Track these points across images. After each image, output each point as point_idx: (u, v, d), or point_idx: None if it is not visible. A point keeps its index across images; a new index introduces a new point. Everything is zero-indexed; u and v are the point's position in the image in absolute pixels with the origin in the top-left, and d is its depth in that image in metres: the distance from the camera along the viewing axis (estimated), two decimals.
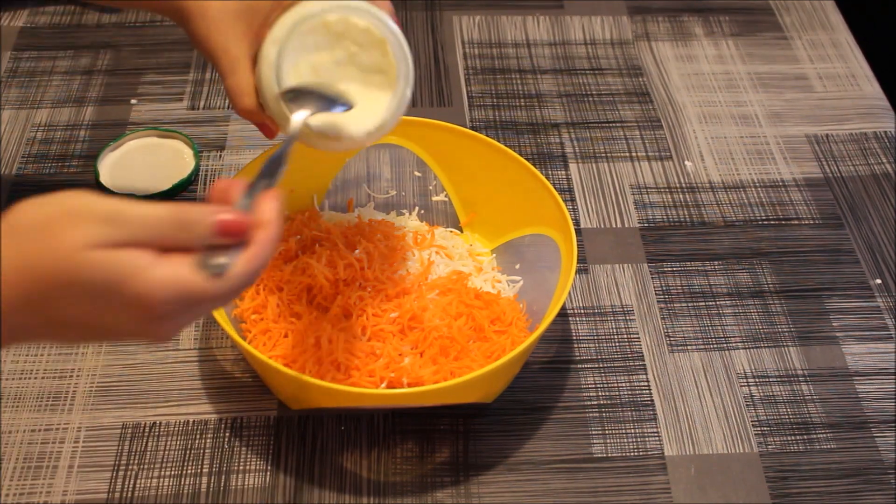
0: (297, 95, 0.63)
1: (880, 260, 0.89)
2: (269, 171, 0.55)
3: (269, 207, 0.50)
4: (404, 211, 0.86)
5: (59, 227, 0.45)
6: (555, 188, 0.78)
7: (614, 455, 0.74)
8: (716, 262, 0.88)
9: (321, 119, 0.64)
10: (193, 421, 0.74)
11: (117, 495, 0.70)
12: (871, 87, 1.06)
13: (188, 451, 0.72)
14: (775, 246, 0.89)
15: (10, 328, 0.46)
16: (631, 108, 1.02)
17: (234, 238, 0.48)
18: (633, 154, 0.97)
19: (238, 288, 0.48)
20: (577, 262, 0.73)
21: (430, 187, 0.86)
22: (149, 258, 0.45)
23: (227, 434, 0.73)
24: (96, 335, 0.49)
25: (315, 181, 0.85)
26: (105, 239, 0.45)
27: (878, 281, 0.87)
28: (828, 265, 0.88)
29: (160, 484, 0.70)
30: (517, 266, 0.81)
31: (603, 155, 0.97)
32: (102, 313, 0.46)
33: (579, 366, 0.79)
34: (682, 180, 0.95)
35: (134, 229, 0.46)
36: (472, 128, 0.98)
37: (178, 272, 0.46)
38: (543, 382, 0.78)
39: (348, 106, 0.63)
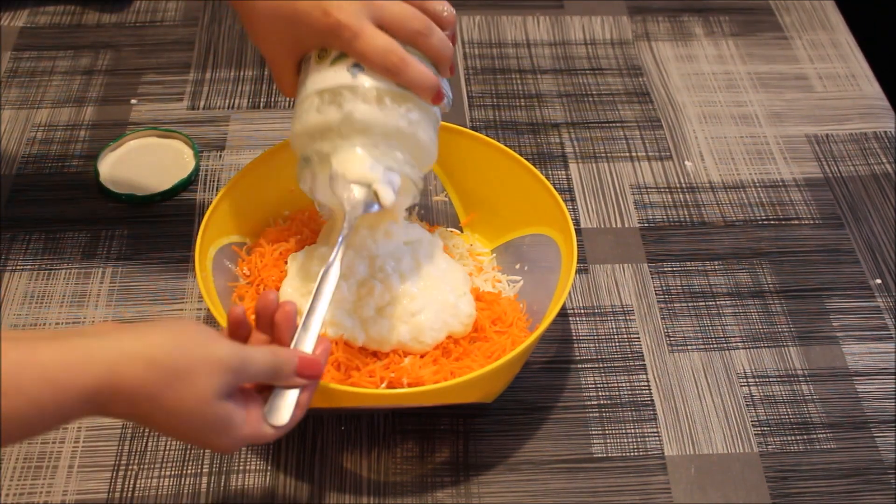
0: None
1: (880, 260, 0.89)
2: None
3: (321, 356, 0.61)
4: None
5: (196, 375, 0.53)
6: (555, 188, 0.78)
7: (614, 455, 0.74)
8: (716, 262, 0.88)
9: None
10: None
11: (117, 495, 0.70)
12: (871, 87, 1.06)
13: (188, 451, 0.72)
14: (775, 246, 0.89)
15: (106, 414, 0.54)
16: (631, 108, 1.02)
17: (308, 376, 0.59)
18: (633, 154, 0.97)
19: (289, 429, 0.59)
20: (577, 262, 0.73)
21: (430, 187, 0.86)
22: (242, 414, 0.56)
23: None
24: (179, 437, 0.58)
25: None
26: (225, 387, 0.55)
27: (878, 281, 0.87)
28: (828, 265, 0.88)
29: (160, 484, 0.70)
30: (517, 266, 0.81)
31: (603, 155, 0.97)
32: (202, 438, 0.56)
33: (579, 366, 0.79)
34: (682, 180, 0.95)
35: (246, 376, 0.56)
36: (473, 128, 0.98)
37: (256, 431, 0.57)
38: (543, 382, 0.78)
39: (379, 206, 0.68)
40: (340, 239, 0.65)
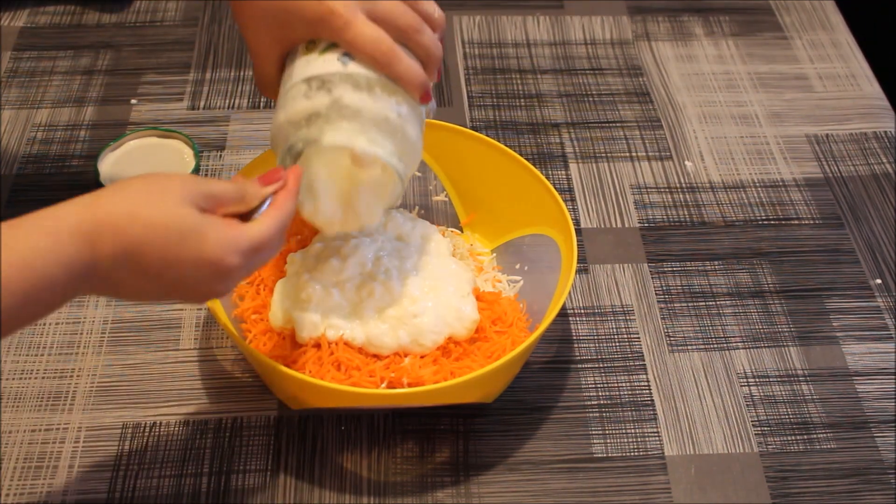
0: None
1: (880, 260, 0.89)
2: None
3: (290, 173, 0.62)
4: (405, 211, 0.86)
5: (169, 189, 0.56)
6: (555, 188, 0.78)
7: (614, 455, 0.74)
8: (716, 262, 0.88)
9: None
10: (193, 421, 0.74)
11: (117, 495, 0.70)
12: (871, 87, 1.06)
13: (188, 451, 0.72)
14: (775, 246, 0.89)
15: (106, 278, 0.55)
16: (631, 108, 1.02)
17: (272, 181, 0.61)
18: (633, 154, 0.97)
19: (274, 233, 0.59)
20: (577, 262, 0.73)
21: (430, 187, 0.86)
22: (218, 220, 0.57)
23: (227, 434, 0.73)
24: (170, 288, 0.58)
25: None
26: (191, 201, 0.56)
27: (878, 281, 0.87)
28: (828, 265, 0.88)
29: (160, 484, 0.70)
30: (517, 266, 0.81)
31: (603, 155, 0.97)
32: (182, 262, 0.56)
33: (579, 366, 0.79)
34: (682, 180, 0.95)
35: (216, 200, 0.57)
36: (473, 128, 0.98)
37: (235, 230, 0.58)
38: (543, 382, 0.78)
39: None
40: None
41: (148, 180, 0.57)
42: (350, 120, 0.64)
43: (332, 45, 0.65)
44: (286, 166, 0.65)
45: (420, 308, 0.72)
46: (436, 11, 0.68)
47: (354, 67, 0.64)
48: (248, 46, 0.70)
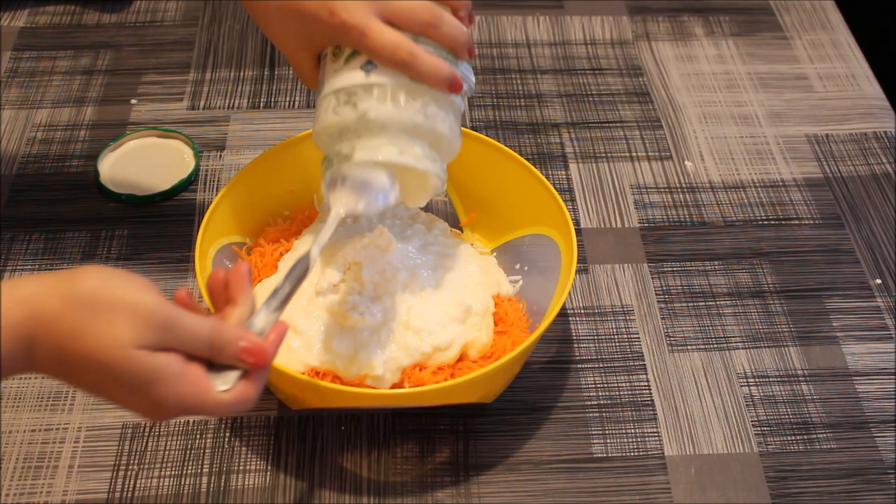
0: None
1: (880, 260, 0.89)
2: (294, 277, 0.60)
3: (272, 344, 0.56)
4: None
5: (115, 316, 0.50)
6: (555, 188, 0.78)
7: (614, 455, 0.74)
8: (716, 262, 0.88)
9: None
10: (193, 421, 0.74)
11: (117, 495, 0.70)
12: (871, 87, 1.06)
13: (188, 451, 0.72)
14: (775, 246, 0.89)
15: (48, 373, 0.52)
16: (631, 108, 1.02)
17: (252, 365, 0.54)
18: (633, 154, 0.97)
19: (242, 405, 0.54)
20: (577, 262, 0.73)
21: None
22: (178, 366, 0.52)
23: (227, 434, 0.73)
24: (106, 399, 0.54)
25: (315, 181, 0.84)
26: (152, 343, 0.51)
27: (878, 281, 0.87)
28: (828, 265, 0.88)
29: (160, 484, 0.70)
30: (517, 266, 0.81)
31: (603, 155, 0.97)
32: (123, 396, 0.52)
33: (579, 366, 0.79)
34: (682, 180, 0.95)
35: (178, 342, 0.52)
36: (472, 128, 0.98)
37: (196, 390, 0.52)
38: (543, 382, 0.78)
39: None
40: (327, 231, 0.65)
41: (103, 294, 0.50)
42: (378, 134, 0.65)
43: (355, 53, 0.65)
44: (325, 175, 0.66)
45: (435, 342, 0.72)
46: None
47: (377, 77, 0.64)
48: (279, 48, 0.70)
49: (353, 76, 0.65)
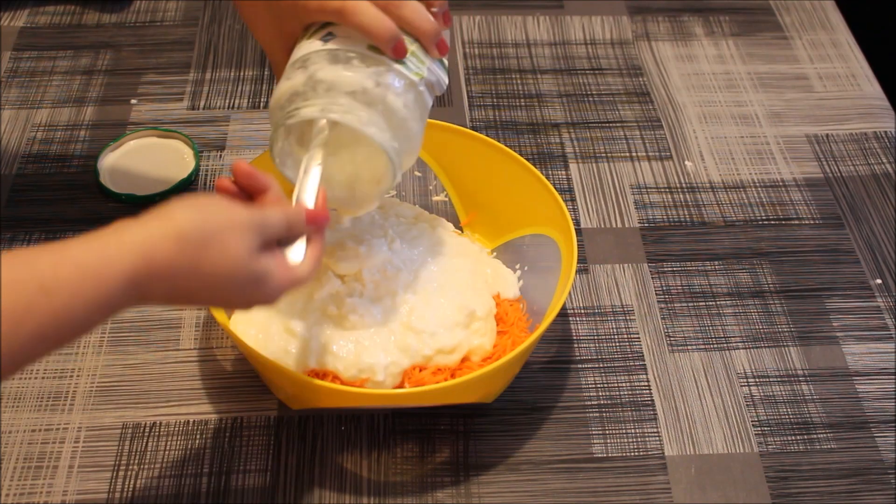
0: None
1: (880, 260, 0.89)
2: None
3: (322, 206, 0.63)
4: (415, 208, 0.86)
5: (225, 238, 0.54)
6: (555, 188, 0.78)
7: (614, 455, 0.74)
8: (716, 262, 0.88)
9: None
10: (193, 421, 0.74)
11: (117, 495, 0.70)
12: (871, 87, 1.06)
13: (188, 451, 0.72)
14: (775, 246, 0.89)
15: (145, 301, 0.54)
16: (631, 108, 1.02)
17: (316, 227, 0.61)
18: (633, 154, 0.97)
19: (314, 272, 0.61)
20: (577, 262, 0.73)
21: (430, 187, 0.86)
22: (276, 261, 0.58)
23: (227, 434, 0.73)
24: (206, 303, 0.65)
25: None
26: (256, 246, 0.56)
27: (878, 281, 0.87)
28: (828, 265, 0.88)
29: (160, 484, 0.70)
30: (517, 266, 0.81)
31: (603, 155, 0.97)
32: (236, 301, 0.59)
33: (579, 366, 0.79)
34: (682, 180, 0.95)
35: (268, 236, 0.57)
36: (473, 128, 0.98)
37: (290, 275, 0.59)
38: (543, 382, 0.78)
39: None
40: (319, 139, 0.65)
41: (209, 225, 0.54)
42: (324, 94, 0.62)
43: (318, 29, 0.65)
44: (270, 150, 0.66)
45: (438, 345, 0.72)
46: None
47: (333, 44, 0.63)
48: (258, 41, 0.71)
49: (311, 45, 0.64)
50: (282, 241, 0.60)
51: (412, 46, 0.65)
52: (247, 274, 0.55)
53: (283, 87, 0.64)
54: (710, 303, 0.84)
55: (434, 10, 0.66)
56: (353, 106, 0.62)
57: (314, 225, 0.61)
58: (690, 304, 0.84)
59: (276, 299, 0.59)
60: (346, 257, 0.74)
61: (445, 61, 0.69)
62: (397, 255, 0.75)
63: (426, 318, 0.72)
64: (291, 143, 0.67)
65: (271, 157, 0.66)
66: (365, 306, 0.72)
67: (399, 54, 0.64)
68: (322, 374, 0.70)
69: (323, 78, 0.62)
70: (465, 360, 0.73)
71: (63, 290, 0.49)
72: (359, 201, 0.70)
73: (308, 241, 0.61)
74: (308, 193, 0.63)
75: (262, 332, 0.72)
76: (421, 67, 0.65)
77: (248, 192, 0.60)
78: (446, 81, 0.68)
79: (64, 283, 0.49)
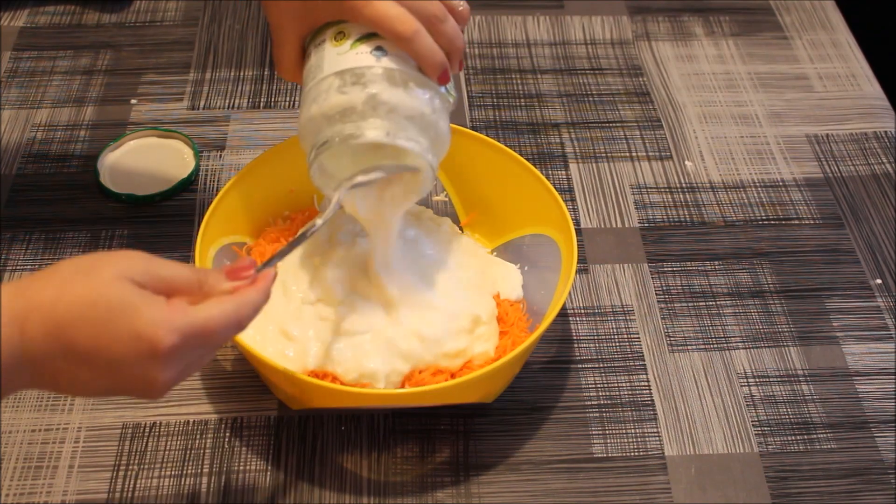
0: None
1: (880, 260, 0.89)
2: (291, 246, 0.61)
3: (268, 276, 0.57)
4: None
5: (100, 265, 0.51)
6: (555, 188, 0.78)
7: (614, 455, 0.74)
8: (716, 262, 0.88)
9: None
10: (193, 421, 0.74)
11: (117, 495, 0.70)
12: (871, 87, 1.06)
13: (188, 451, 0.72)
14: (775, 246, 0.89)
15: (41, 368, 0.51)
16: (631, 108, 1.02)
17: (238, 277, 0.55)
18: (633, 154, 0.97)
19: (224, 322, 0.53)
20: (577, 262, 0.73)
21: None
22: (157, 301, 0.51)
23: (227, 434, 0.73)
24: (106, 376, 0.52)
25: None
26: (128, 274, 0.51)
27: (878, 281, 0.87)
28: (828, 265, 0.88)
29: (160, 484, 0.70)
30: (517, 266, 0.81)
31: (603, 155, 0.97)
32: (113, 341, 0.50)
33: (579, 366, 0.79)
34: (682, 180, 0.95)
35: (162, 281, 0.52)
36: (472, 128, 0.98)
37: (185, 309, 0.52)
38: (543, 382, 0.78)
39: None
40: (335, 202, 0.65)
41: (80, 259, 0.52)
42: (385, 116, 0.63)
43: (362, 38, 0.65)
44: (311, 161, 0.65)
45: (442, 350, 0.72)
46: (460, 4, 0.67)
47: (388, 62, 0.64)
48: (270, 26, 0.69)
49: (361, 59, 0.64)
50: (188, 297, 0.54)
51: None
52: (110, 294, 0.50)
53: (336, 99, 0.63)
54: (710, 303, 0.84)
55: (460, 24, 0.67)
56: (415, 133, 0.64)
57: (235, 277, 0.55)
58: (690, 304, 0.84)
59: (170, 340, 0.50)
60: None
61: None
62: (396, 255, 0.74)
63: (430, 323, 0.72)
64: (333, 151, 0.66)
65: (308, 166, 0.66)
66: (362, 307, 0.72)
67: (444, 82, 0.66)
68: (322, 375, 0.70)
69: (386, 101, 0.63)
70: (466, 362, 0.73)
71: None
72: (386, 211, 0.71)
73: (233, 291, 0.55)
74: (273, 259, 0.59)
75: (259, 333, 0.72)
76: (452, 88, 0.68)
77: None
78: (457, 98, 0.70)
79: None
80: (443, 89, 0.66)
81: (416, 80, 0.64)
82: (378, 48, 0.64)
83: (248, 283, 0.56)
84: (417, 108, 0.64)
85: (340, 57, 0.64)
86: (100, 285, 0.50)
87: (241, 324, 0.54)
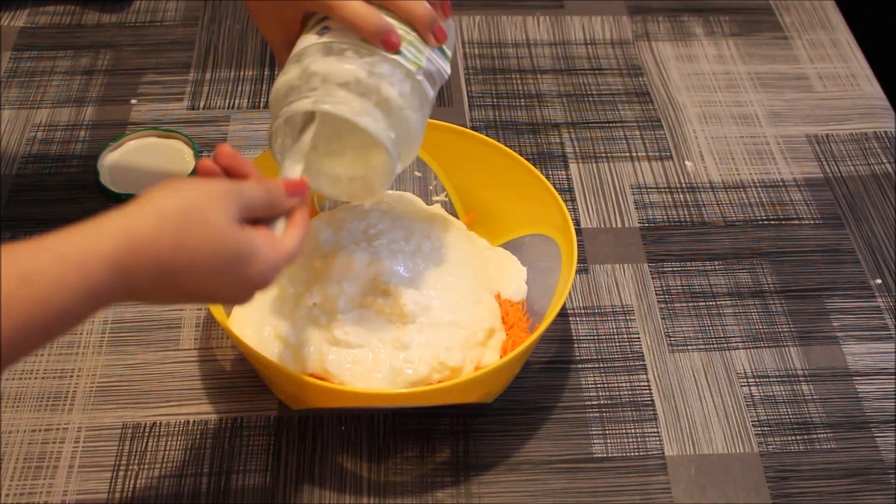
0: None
1: (880, 260, 0.89)
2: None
3: (303, 181, 0.63)
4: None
5: (205, 209, 0.53)
6: (555, 188, 0.78)
7: (614, 455, 0.74)
8: (716, 262, 0.88)
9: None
10: (193, 421, 0.74)
11: (117, 495, 0.70)
12: (871, 87, 1.06)
13: (188, 451, 0.72)
14: (775, 246, 0.89)
15: (133, 294, 0.53)
16: (631, 108, 1.02)
17: (297, 195, 0.60)
18: (633, 154, 0.97)
19: (301, 247, 0.59)
20: (577, 262, 0.73)
21: (430, 187, 0.86)
22: (263, 236, 0.56)
23: (227, 434, 0.73)
24: (199, 298, 0.60)
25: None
26: (239, 216, 0.55)
27: (878, 281, 0.87)
28: (828, 265, 0.88)
29: (160, 484, 0.70)
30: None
31: (603, 155, 0.97)
32: (226, 284, 0.55)
33: (579, 366, 0.79)
34: (682, 180, 0.95)
35: (251, 209, 0.56)
36: (473, 128, 0.98)
37: (279, 250, 0.57)
38: (543, 382, 0.78)
39: None
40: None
41: (188, 201, 0.53)
42: (319, 86, 0.62)
43: (316, 23, 0.65)
44: (273, 145, 0.66)
45: (451, 365, 0.71)
46: None
47: (328, 37, 0.64)
48: (262, 33, 0.71)
49: (307, 39, 0.65)
50: (264, 219, 0.58)
51: (409, 36, 0.65)
52: (232, 245, 0.54)
53: (280, 81, 0.64)
54: (710, 303, 0.84)
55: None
56: (346, 97, 0.62)
57: (294, 195, 0.60)
58: (690, 304, 0.84)
59: (271, 278, 0.56)
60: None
61: (448, 52, 0.68)
62: (397, 260, 0.74)
63: (449, 348, 0.71)
64: (293, 138, 0.66)
65: (271, 152, 0.66)
66: (373, 322, 0.71)
67: (390, 47, 0.63)
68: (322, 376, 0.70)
69: (316, 70, 0.62)
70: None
71: (45, 279, 0.48)
72: (361, 193, 0.71)
73: (291, 215, 0.60)
74: (289, 171, 0.63)
75: (257, 333, 0.72)
76: (419, 57, 0.65)
77: (229, 175, 0.59)
78: (448, 71, 0.68)
79: (46, 272, 0.48)
80: (397, 56, 0.63)
81: (354, 48, 0.63)
82: (324, 28, 0.64)
83: (301, 200, 0.61)
84: (350, 73, 0.62)
85: (297, 45, 0.66)
86: (217, 238, 0.53)
87: (303, 245, 0.60)
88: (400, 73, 0.64)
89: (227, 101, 1.01)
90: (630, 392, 0.78)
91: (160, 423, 0.74)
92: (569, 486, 0.72)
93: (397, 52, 0.63)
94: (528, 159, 0.80)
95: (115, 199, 0.89)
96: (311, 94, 0.62)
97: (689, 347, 0.81)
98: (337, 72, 0.62)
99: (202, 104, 1.00)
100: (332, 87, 0.62)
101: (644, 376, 0.79)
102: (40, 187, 0.91)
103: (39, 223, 0.87)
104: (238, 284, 0.55)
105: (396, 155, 0.64)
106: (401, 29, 0.64)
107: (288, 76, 0.63)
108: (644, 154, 0.97)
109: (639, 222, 0.91)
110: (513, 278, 0.79)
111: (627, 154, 0.97)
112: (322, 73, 0.62)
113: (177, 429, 0.74)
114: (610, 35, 1.11)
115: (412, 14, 0.65)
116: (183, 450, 0.72)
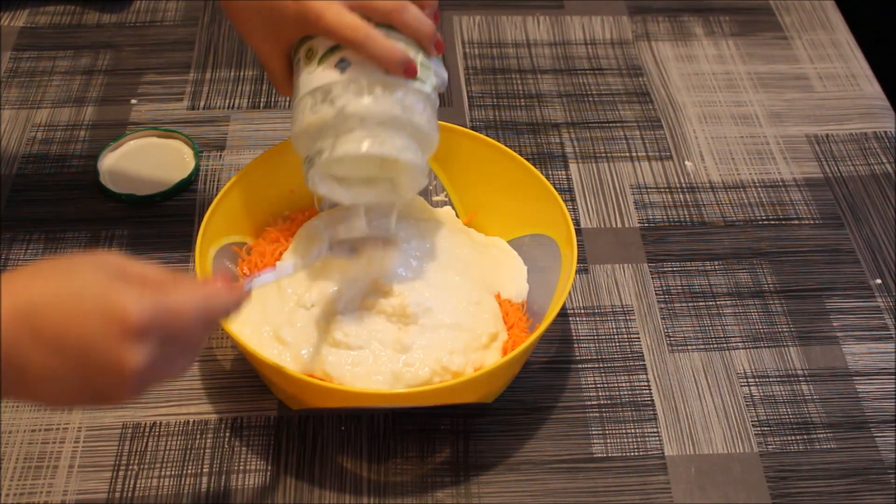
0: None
1: (880, 260, 0.89)
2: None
3: (243, 286, 0.57)
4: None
5: (76, 261, 0.51)
6: (555, 188, 0.78)
7: (614, 455, 0.74)
8: (716, 262, 0.88)
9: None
10: (193, 421, 0.74)
11: (117, 495, 0.70)
12: (871, 87, 1.06)
13: (188, 451, 0.72)
14: (775, 246, 0.89)
15: (7, 355, 0.49)
16: (631, 108, 1.02)
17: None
18: (633, 154, 0.97)
19: (195, 308, 0.52)
20: (577, 262, 0.73)
21: (430, 187, 0.86)
22: (130, 285, 0.50)
23: (227, 434, 0.73)
24: (78, 362, 0.49)
25: None
26: (110, 272, 0.50)
27: (878, 281, 0.87)
28: (828, 265, 0.88)
29: (160, 484, 0.70)
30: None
31: (603, 155, 0.97)
32: (83, 319, 0.49)
33: (579, 366, 0.79)
34: (682, 180, 0.95)
35: (136, 278, 0.51)
36: (472, 128, 0.98)
37: (154, 292, 0.51)
38: (543, 382, 0.78)
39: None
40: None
41: (58, 258, 0.52)
42: (357, 128, 0.65)
43: (328, 52, 0.66)
44: (305, 175, 0.67)
45: (454, 369, 0.71)
46: None
47: (352, 73, 0.65)
48: (250, 47, 0.71)
49: (328, 75, 0.65)
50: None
51: (419, 56, 0.67)
52: (81, 284, 0.49)
53: (310, 119, 0.66)
54: (710, 303, 0.84)
55: (426, 11, 0.68)
56: (388, 136, 0.65)
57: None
58: (690, 304, 0.84)
59: (128, 309, 0.49)
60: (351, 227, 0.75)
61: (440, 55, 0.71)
62: (398, 260, 0.74)
63: (452, 352, 0.71)
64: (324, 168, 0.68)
65: (306, 182, 0.68)
66: (356, 323, 0.71)
67: (411, 75, 0.66)
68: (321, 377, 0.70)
69: (353, 112, 0.64)
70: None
71: None
72: (384, 206, 0.74)
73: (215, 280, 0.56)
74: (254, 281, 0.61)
75: (256, 334, 0.72)
76: (429, 76, 0.68)
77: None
78: (447, 75, 0.70)
79: None
80: (416, 83, 0.66)
81: (382, 83, 0.65)
82: (342, 60, 0.65)
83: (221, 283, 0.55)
84: (386, 111, 0.65)
85: (311, 76, 0.66)
86: (74, 275, 0.50)
87: (209, 318, 0.53)
88: (422, 99, 0.67)
89: (227, 101, 1.01)
90: (630, 392, 0.78)
91: (160, 423, 0.74)
92: (569, 486, 0.72)
93: (415, 76, 0.66)
94: (528, 159, 0.80)
95: (115, 200, 0.89)
96: (352, 135, 0.65)
97: (689, 347, 0.81)
98: (374, 113, 0.65)
99: (202, 104, 1.00)
100: (372, 127, 0.65)
101: (644, 376, 0.79)
102: (40, 187, 0.91)
103: (39, 223, 0.87)
104: (100, 314, 0.49)
105: (425, 174, 0.69)
106: (410, 50, 0.66)
107: (320, 116, 0.65)
108: (644, 154, 0.97)
109: (639, 222, 0.91)
110: (514, 278, 0.79)
111: (627, 154, 0.97)
112: (360, 114, 0.65)
113: (177, 429, 0.74)
114: (610, 35, 1.11)
115: (420, 34, 0.66)
116: (183, 450, 0.72)
